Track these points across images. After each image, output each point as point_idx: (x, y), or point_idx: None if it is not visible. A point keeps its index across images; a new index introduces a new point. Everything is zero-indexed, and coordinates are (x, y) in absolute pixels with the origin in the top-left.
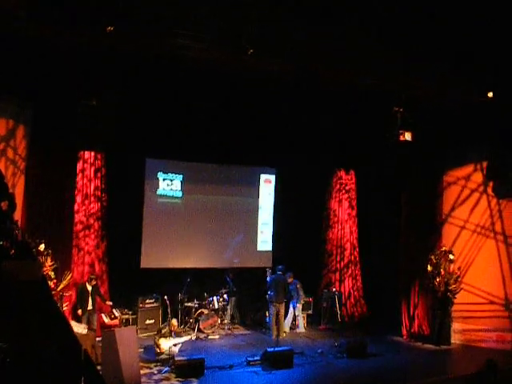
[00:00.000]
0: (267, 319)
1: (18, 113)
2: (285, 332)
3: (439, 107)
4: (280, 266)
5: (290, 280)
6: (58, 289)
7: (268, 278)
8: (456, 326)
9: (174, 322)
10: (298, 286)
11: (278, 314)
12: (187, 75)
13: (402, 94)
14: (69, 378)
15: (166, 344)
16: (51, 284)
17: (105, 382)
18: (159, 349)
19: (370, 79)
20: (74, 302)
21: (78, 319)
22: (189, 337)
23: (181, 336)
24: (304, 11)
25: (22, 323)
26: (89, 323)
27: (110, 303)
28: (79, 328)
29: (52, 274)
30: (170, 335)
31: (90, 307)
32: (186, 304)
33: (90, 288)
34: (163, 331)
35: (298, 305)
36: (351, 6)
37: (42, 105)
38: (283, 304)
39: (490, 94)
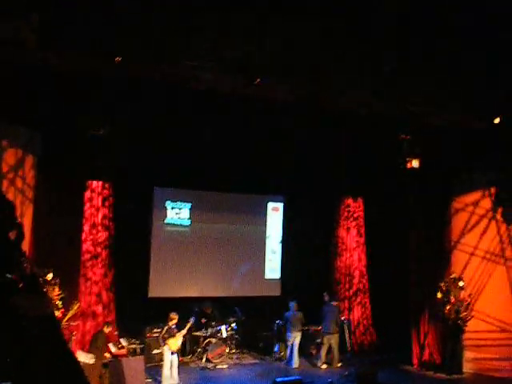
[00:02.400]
0: (275, 348)
1: (27, 142)
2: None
3: (447, 134)
4: (291, 304)
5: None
6: (66, 318)
7: (285, 314)
8: (468, 354)
9: (173, 315)
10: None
11: (293, 344)
12: (195, 104)
13: (408, 122)
14: None
15: (177, 342)
16: (58, 313)
17: None
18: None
19: (377, 107)
20: (82, 331)
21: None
22: (189, 324)
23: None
24: (312, 39)
25: (29, 362)
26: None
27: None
28: (86, 358)
29: (59, 303)
30: (173, 333)
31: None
32: (193, 333)
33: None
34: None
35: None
36: (360, 32)
37: (51, 134)
38: (300, 334)
39: (497, 120)
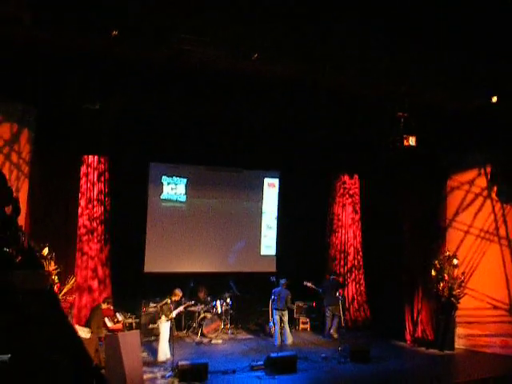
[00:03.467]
0: (270, 324)
1: (22, 117)
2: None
3: (443, 112)
4: (282, 280)
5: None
6: (62, 293)
7: (273, 290)
8: (460, 331)
9: (178, 291)
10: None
11: (281, 321)
12: (192, 79)
13: (405, 99)
14: None
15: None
16: (55, 288)
17: None
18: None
19: (373, 83)
20: (77, 306)
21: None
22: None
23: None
24: (309, 15)
25: (29, 335)
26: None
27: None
28: (83, 332)
29: (55, 278)
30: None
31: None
32: (189, 308)
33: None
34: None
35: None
36: (358, 8)
37: (46, 109)
38: (286, 311)
39: (495, 99)
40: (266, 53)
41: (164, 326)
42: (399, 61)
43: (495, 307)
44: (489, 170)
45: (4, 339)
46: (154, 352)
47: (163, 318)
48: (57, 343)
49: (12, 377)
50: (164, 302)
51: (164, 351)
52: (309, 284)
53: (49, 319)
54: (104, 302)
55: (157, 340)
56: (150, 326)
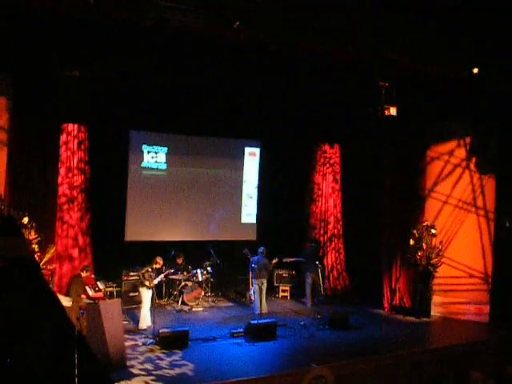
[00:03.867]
0: (250, 292)
1: (0, 84)
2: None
3: (424, 82)
4: (261, 248)
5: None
6: (42, 262)
7: (251, 258)
8: (436, 299)
9: (159, 259)
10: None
11: (261, 289)
12: (171, 47)
13: (386, 69)
14: (63, 357)
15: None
16: (35, 257)
17: (97, 360)
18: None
19: (354, 52)
20: (58, 274)
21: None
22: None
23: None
24: None
25: (10, 301)
26: None
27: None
28: (64, 301)
29: (36, 247)
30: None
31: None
32: (170, 276)
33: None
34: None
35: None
36: None
37: (24, 76)
38: (265, 279)
39: (476, 70)
40: (247, 20)
41: (145, 294)
42: (381, 29)
43: (471, 276)
44: (468, 141)
45: None
46: (135, 320)
47: (145, 285)
48: (38, 310)
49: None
50: (145, 270)
51: (146, 319)
52: (289, 260)
53: (29, 286)
54: (83, 270)
55: (138, 308)
56: (131, 294)
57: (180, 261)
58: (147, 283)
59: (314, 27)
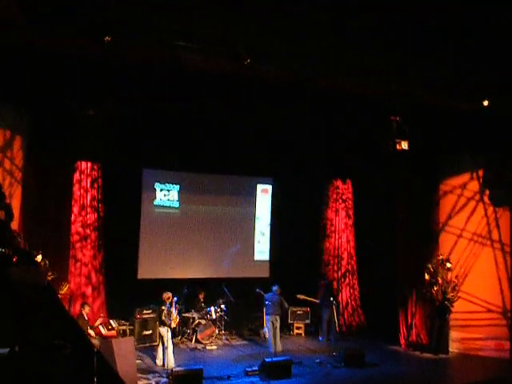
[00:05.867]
0: (264, 329)
1: (15, 123)
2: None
3: (435, 115)
4: (275, 286)
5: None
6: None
7: (266, 296)
8: (454, 334)
9: (165, 294)
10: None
11: (275, 327)
12: (185, 86)
13: (397, 103)
14: (84, 378)
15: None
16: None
17: (121, 379)
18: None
19: (365, 87)
20: (71, 313)
21: None
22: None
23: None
24: (301, 22)
25: (33, 326)
26: None
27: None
28: None
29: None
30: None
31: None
32: (183, 314)
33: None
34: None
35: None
36: (347, 14)
37: (39, 115)
38: (279, 317)
39: (486, 103)
40: (257, 56)
41: (166, 334)
42: (391, 63)
43: (489, 310)
44: (481, 173)
45: (6, 332)
46: (149, 358)
47: (166, 325)
48: (58, 331)
49: (13, 369)
50: (161, 309)
51: (171, 358)
52: (302, 297)
53: (48, 310)
54: (83, 307)
55: (153, 347)
56: (144, 332)
57: (201, 298)
58: (167, 322)
59: (325, 63)
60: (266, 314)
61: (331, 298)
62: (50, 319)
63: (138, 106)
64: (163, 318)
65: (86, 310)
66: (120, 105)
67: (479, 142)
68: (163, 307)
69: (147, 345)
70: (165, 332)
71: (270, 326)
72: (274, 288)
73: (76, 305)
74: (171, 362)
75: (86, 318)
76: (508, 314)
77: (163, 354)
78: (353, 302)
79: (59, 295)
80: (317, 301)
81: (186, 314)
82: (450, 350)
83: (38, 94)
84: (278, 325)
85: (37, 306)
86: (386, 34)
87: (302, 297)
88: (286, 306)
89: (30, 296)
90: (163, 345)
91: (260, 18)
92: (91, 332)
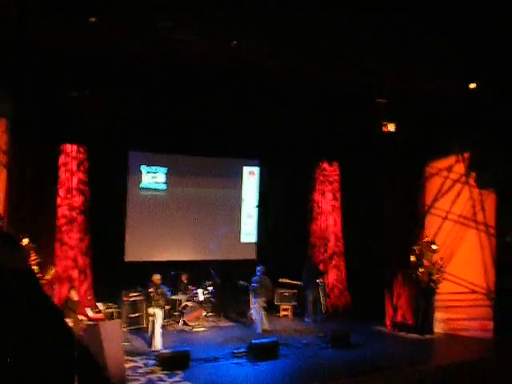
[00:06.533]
0: (251, 311)
1: None
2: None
3: (422, 98)
4: (259, 267)
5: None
6: (42, 283)
7: (252, 278)
8: (439, 315)
9: (156, 276)
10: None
11: (261, 308)
12: (171, 67)
13: (384, 85)
14: (64, 366)
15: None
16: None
17: (102, 367)
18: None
19: (352, 70)
20: (58, 296)
21: None
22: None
23: None
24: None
25: (11, 313)
26: None
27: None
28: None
29: (36, 268)
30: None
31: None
32: (171, 297)
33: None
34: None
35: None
36: None
37: (23, 97)
38: (266, 298)
39: (472, 85)
40: (245, 40)
41: (159, 315)
42: (378, 45)
43: (473, 291)
44: (467, 156)
45: None
46: (136, 341)
47: (158, 306)
48: (38, 318)
49: None
50: (149, 291)
51: (160, 339)
52: (285, 280)
53: (30, 297)
54: (70, 290)
55: (140, 329)
56: (131, 315)
57: (184, 279)
58: (161, 302)
59: (311, 46)
60: (253, 297)
61: (316, 280)
62: (29, 306)
63: (123, 88)
64: (154, 299)
65: (73, 293)
66: (105, 86)
67: (466, 125)
68: (151, 289)
69: (135, 327)
70: (155, 313)
71: (256, 307)
72: (259, 268)
73: (63, 288)
74: (159, 344)
75: (76, 299)
76: (492, 295)
77: (152, 336)
78: (339, 284)
79: (45, 279)
80: (299, 283)
81: (173, 297)
82: (435, 330)
83: (23, 76)
84: (263, 305)
85: (17, 293)
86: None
87: (284, 280)
88: (271, 286)
89: (8, 281)
90: (152, 326)
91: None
92: (89, 312)
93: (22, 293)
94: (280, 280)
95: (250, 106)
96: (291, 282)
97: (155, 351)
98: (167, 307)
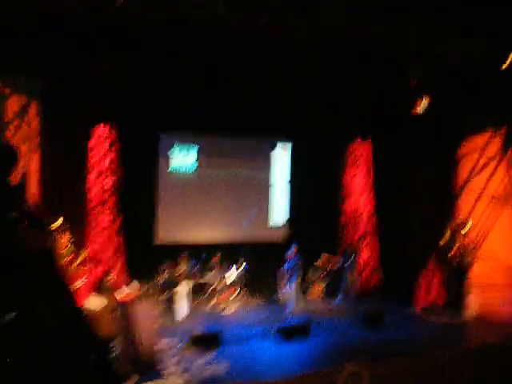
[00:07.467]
0: (283, 290)
1: (30, 88)
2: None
3: (457, 75)
4: (292, 248)
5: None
6: (75, 264)
7: (285, 257)
8: (472, 297)
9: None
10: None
11: (293, 288)
12: (203, 45)
13: (419, 61)
14: (75, 346)
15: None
16: (68, 259)
17: (107, 345)
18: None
19: (388, 43)
20: (91, 277)
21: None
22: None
23: None
24: None
25: (26, 293)
26: None
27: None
28: (99, 301)
29: (71, 247)
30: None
31: None
32: (200, 279)
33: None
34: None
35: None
36: None
37: (53, 78)
38: (297, 278)
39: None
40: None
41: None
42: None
43: (508, 272)
44: (503, 131)
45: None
46: (171, 320)
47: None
48: (50, 300)
49: (17, 334)
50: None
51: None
52: (326, 256)
53: (43, 276)
54: (105, 275)
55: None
56: (163, 295)
57: (215, 261)
58: (189, 282)
59: (343, 17)
60: (286, 276)
61: (349, 259)
62: (44, 287)
63: (155, 66)
64: (184, 279)
65: (107, 274)
66: (135, 65)
67: (502, 101)
68: (181, 270)
69: (167, 307)
70: (183, 290)
71: (288, 286)
72: (292, 248)
73: (97, 269)
74: (185, 320)
75: (110, 279)
76: None
77: (179, 312)
78: (371, 263)
79: (78, 260)
80: (337, 262)
81: (204, 278)
82: (468, 312)
83: (51, 57)
84: (297, 285)
85: (32, 272)
86: None
87: (326, 256)
88: (301, 266)
89: (27, 261)
90: (181, 303)
91: None
92: (121, 293)
93: (36, 272)
94: (323, 254)
95: (284, 85)
96: (332, 256)
97: (187, 331)
98: (197, 287)
